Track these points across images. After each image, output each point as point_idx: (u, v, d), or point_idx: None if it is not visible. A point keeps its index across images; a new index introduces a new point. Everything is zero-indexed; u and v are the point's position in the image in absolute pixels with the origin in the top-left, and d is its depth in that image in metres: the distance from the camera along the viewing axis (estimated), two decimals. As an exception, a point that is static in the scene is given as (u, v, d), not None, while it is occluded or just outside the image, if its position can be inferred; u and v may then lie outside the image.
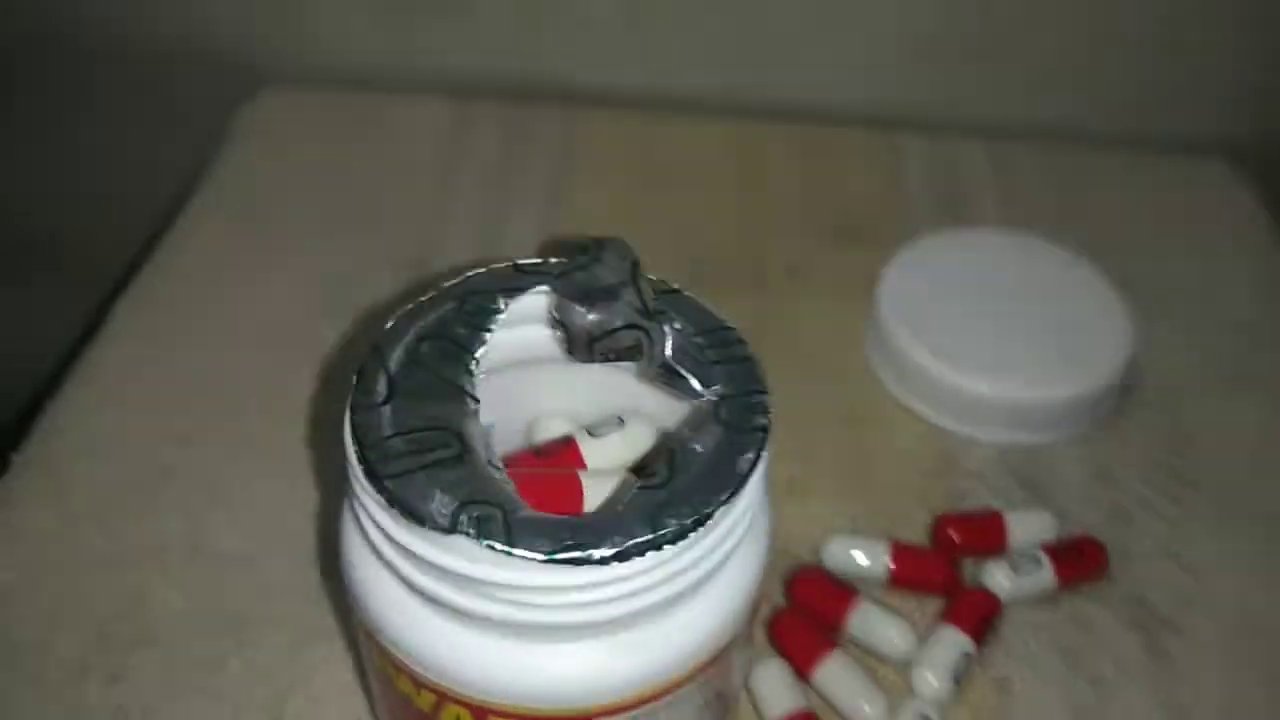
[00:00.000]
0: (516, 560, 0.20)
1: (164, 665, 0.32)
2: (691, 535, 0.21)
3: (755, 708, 0.31)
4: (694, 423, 0.23)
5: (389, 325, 0.25)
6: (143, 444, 0.37)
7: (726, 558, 0.23)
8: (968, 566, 0.35)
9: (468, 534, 0.20)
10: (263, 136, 0.50)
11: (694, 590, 0.22)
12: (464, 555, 0.21)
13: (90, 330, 0.41)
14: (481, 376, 0.24)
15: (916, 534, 0.36)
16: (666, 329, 0.24)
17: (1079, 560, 0.34)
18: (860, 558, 0.34)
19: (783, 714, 0.30)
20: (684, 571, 0.21)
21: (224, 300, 0.43)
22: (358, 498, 0.22)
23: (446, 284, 0.26)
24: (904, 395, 0.40)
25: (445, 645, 0.22)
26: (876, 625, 0.32)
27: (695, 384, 0.24)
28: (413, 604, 0.23)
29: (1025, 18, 0.50)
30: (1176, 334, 0.43)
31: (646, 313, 0.24)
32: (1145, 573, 0.35)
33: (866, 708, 0.31)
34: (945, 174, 0.50)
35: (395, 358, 0.24)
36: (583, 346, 0.25)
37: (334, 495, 0.35)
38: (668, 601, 0.22)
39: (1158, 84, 0.52)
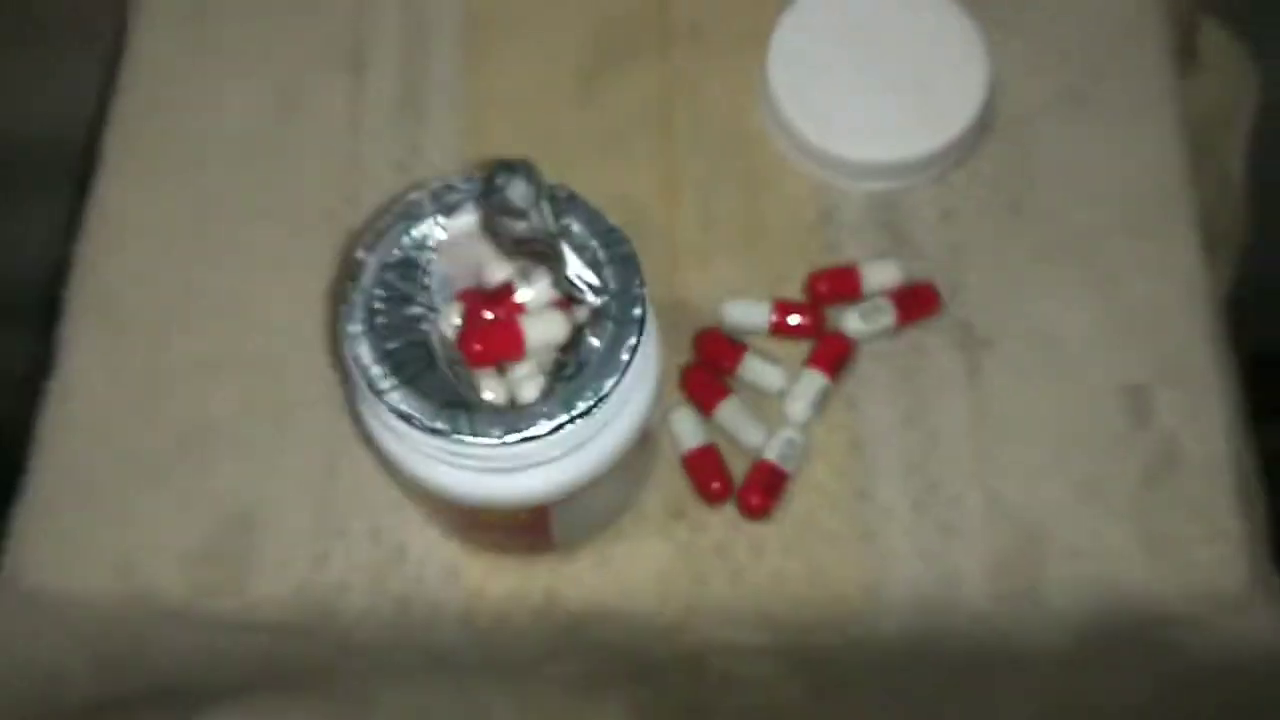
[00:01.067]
0: (481, 443, 0.31)
1: (238, 452, 0.43)
2: (594, 411, 0.31)
3: (672, 444, 0.43)
4: (591, 321, 0.32)
5: (357, 256, 0.33)
6: (175, 269, 0.46)
7: (622, 408, 0.33)
8: (832, 313, 0.45)
9: (445, 431, 0.30)
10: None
11: (602, 429, 0.33)
12: (445, 441, 0.31)
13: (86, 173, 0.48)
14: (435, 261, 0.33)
15: (795, 286, 0.45)
16: (565, 247, 0.32)
17: (915, 302, 0.44)
18: (747, 315, 0.44)
19: (691, 448, 0.42)
20: (592, 428, 0.32)
21: (195, 115, 0.48)
22: (366, 399, 0.32)
23: (394, 209, 0.33)
24: (791, 155, 0.47)
25: (443, 475, 0.33)
26: (759, 371, 0.43)
27: (590, 295, 0.32)
28: (416, 454, 0.33)
29: None
30: (1032, 59, 0.49)
31: (550, 234, 0.32)
32: (972, 301, 0.45)
33: (751, 435, 0.42)
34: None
35: (368, 286, 0.32)
36: (508, 248, 0.33)
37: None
38: (584, 442, 0.32)
39: None
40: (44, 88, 0.67)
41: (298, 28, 0.50)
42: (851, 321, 0.44)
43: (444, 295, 0.34)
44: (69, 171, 0.53)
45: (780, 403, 0.43)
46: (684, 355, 0.44)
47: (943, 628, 0.42)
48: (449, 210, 0.33)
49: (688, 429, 0.42)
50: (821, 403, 0.43)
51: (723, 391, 0.43)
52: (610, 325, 0.32)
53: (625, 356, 0.32)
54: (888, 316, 0.44)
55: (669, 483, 0.43)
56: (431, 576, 0.41)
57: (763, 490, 0.41)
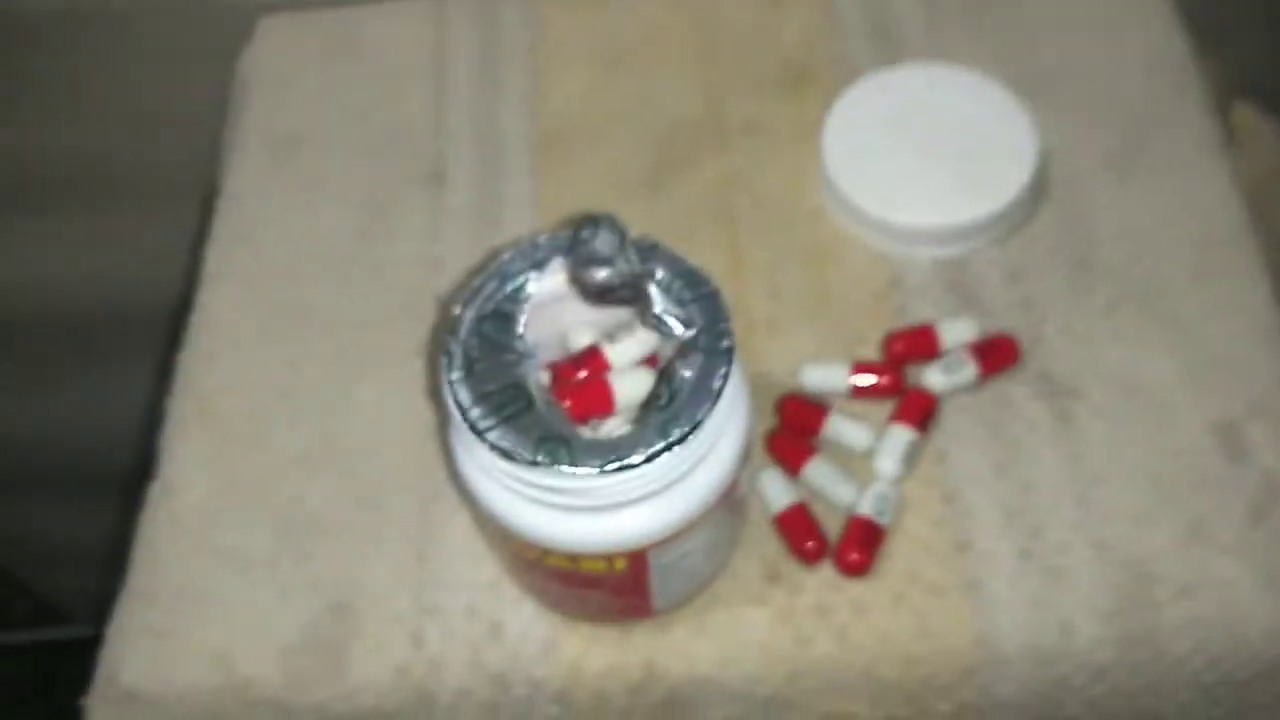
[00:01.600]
0: (580, 474, 0.31)
1: (334, 542, 0.43)
2: (690, 439, 0.31)
3: (763, 506, 0.43)
4: (682, 353, 0.33)
5: (454, 311, 0.34)
6: (270, 373, 0.47)
7: (717, 439, 0.33)
8: (911, 371, 0.45)
9: (545, 464, 0.31)
10: (270, 74, 0.57)
11: (698, 464, 0.33)
12: (546, 475, 0.31)
13: (190, 279, 0.51)
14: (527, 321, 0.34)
15: (870, 348, 0.46)
16: (651, 287, 0.34)
17: (995, 353, 0.44)
18: (826, 378, 0.45)
19: (782, 508, 0.42)
20: (688, 459, 0.32)
21: (289, 233, 0.51)
22: (466, 443, 0.33)
23: (491, 266, 0.35)
24: (852, 228, 0.49)
25: (544, 521, 0.34)
26: (844, 430, 0.43)
27: (678, 328, 0.33)
28: (518, 500, 0.34)
29: None
30: (1080, 128, 0.51)
31: (636, 275, 0.33)
32: (1050, 352, 0.45)
33: (842, 491, 0.42)
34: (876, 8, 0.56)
35: (465, 337, 0.34)
36: (595, 298, 0.35)
37: (426, 400, 0.46)
38: (681, 476, 0.33)
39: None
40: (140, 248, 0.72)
41: (382, 149, 0.53)
42: (933, 376, 0.44)
43: (539, 345, 0.35)
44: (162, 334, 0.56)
45: (869, 461, 0.43)
46: (767, 423, 0.45)
47: (1061, 679, 0.40)
48: (539, 265, 0.35)
49: (776, 490, 0.42)
50: (911, 457, 0.43)
51: (809, 451, 0.43)
52: (700, 357, 0.33)
53: (717, 385, 0.32)
54: (969, 369, 0.44)
55: (761, 546, 0.42)
56: (528, 652, 0.41)
57: (860, 545, 0.41)
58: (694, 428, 0.32)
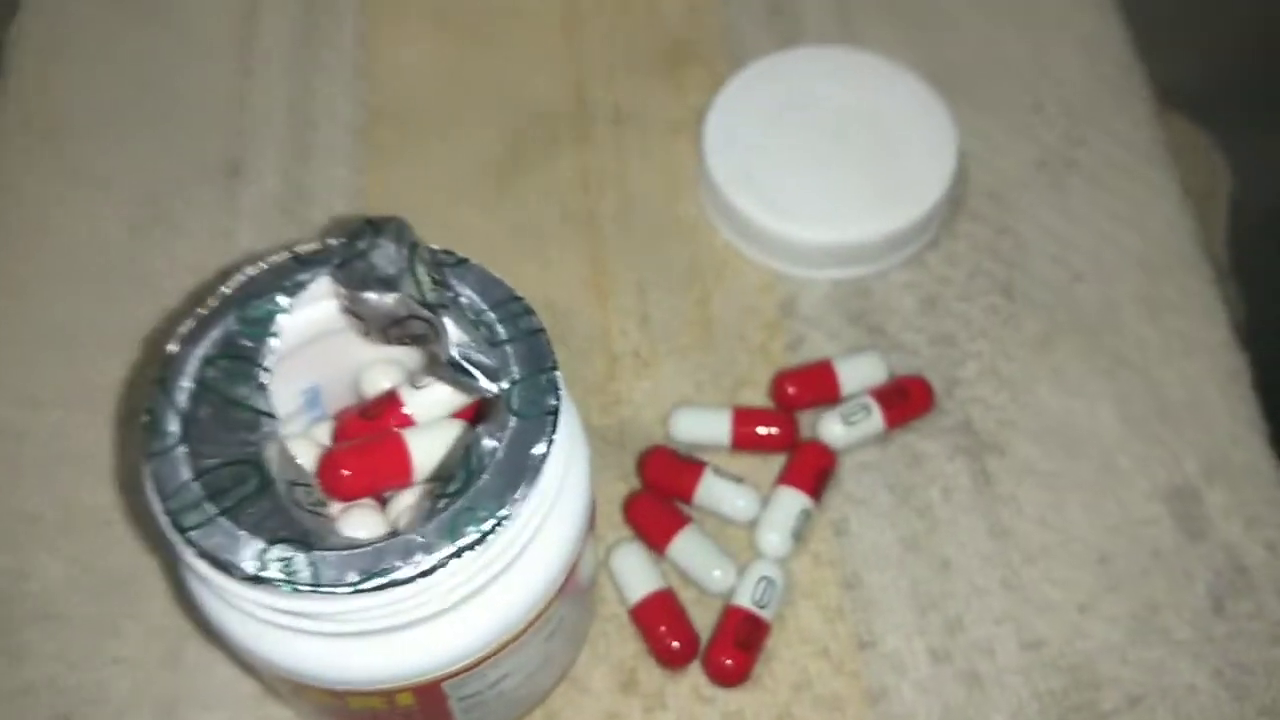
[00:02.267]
0: (325, 594, 0.22)
1: (60, 636, 0.33)
2: (490, 539, 0.22)
3: (618, 592, 0.34)
4: (488, 415, 0.24)
5: (171, 351, 0.24)
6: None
7: (536, 532, 0.24)
8: (806, 419, 0.37)
9: (274, 581, 0.21)
10: (41, 42, 0.46)
11: (506, 569, 0.24)
12: (277, 595, 0.22)
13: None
14: (287, 355, 0.25)
15: (759, 390, 0.38)
16: (449, 322, 0.24)
17: (905, 401, 0.36)
18: (702, 427, 0.36)
19: (641, 597, 0.33)
20: (489, 567, 0.23)
21: (42, 233, 0.41)
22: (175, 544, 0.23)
23: (224, 289, 0.25)
24: (737, 242, 0.40)
25: (291, 648, 0.24)
26: (722, 494, 0.34)
27: (483, 381, 0.24)
28: (255, 624, 0.24)
29: None
30: (1006, 127, 0.43)
31: (427, 305, 0.24)
32: (970, 397, 0.37)
33: (717, 574, 0.33)
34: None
35: (183, 388, 0.24)
36: (376, 332, 0.25)
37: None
38: (481, 587, 0.23)
39: None
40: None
41: (169, 133, 0.43)
42: (831, 427, 0.36)
43: (291, 401, 0.26)
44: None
45: (752, 533, 0.34)
46: (629, 483, 0.36)
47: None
48: (296, 286, 0.25)
49: (635, 572, 0.33)
50: (803, 530, 0.34)
51: (679, 521, 0.34)
52: (513, 421, 0.24)
53: (535, 461, 0.23)
54: (874, 419, 0.36)
55: (614, 645, 0.33)
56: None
57: (737, 645, 0.32)
58: (497, 524, 0.22)
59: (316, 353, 0.27)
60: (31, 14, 0.46)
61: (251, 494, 0.23)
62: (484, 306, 0.25)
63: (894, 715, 0.32)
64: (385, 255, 0.25)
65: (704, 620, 0.33)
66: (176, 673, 0.33)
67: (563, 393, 0.24)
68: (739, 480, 0.35)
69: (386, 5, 0.46)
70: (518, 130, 0.43)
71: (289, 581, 0.21)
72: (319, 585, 0.21)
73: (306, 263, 0.26)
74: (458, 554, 0.22)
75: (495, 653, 0.25)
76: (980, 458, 0.36)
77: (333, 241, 0.25)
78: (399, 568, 0.22)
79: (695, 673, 0.33)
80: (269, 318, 0.25)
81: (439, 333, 0.24)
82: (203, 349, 0.24)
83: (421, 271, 0.24)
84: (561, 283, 0.40)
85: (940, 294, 0.40)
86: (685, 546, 0.34)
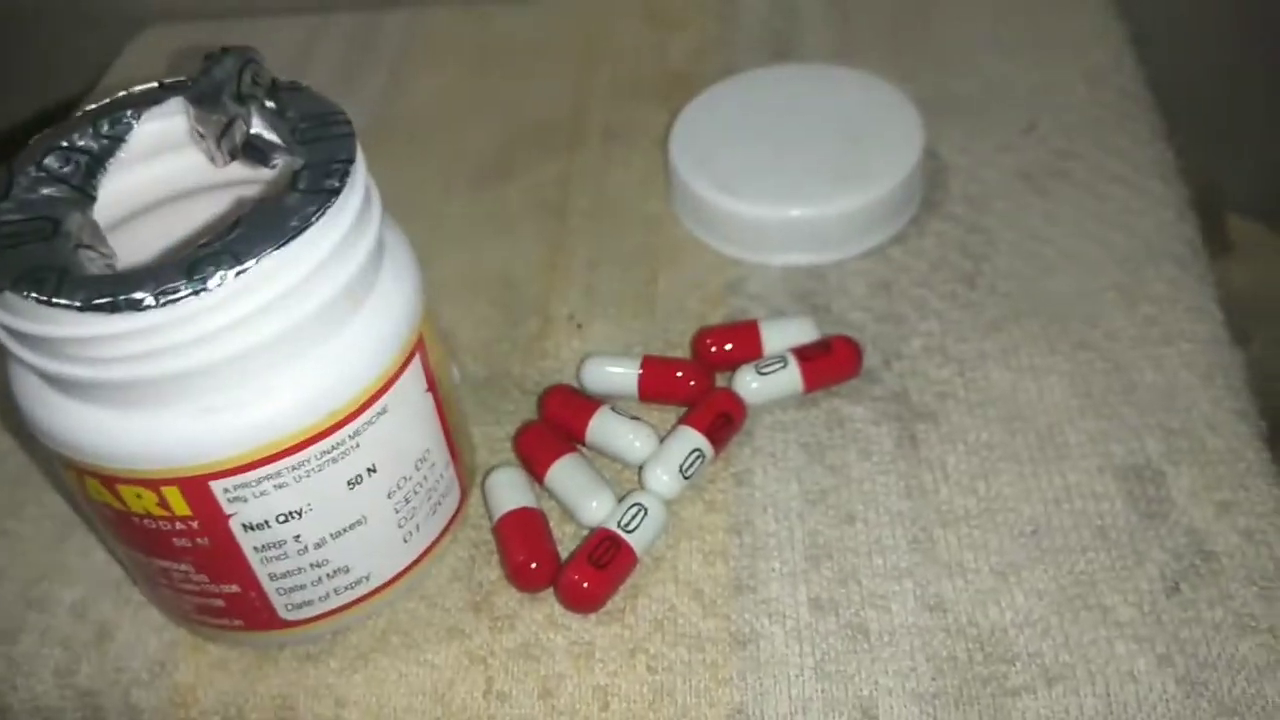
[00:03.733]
0: (59, 311, 0.22)
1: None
2: (231, 281, 0.22)
3: (489, 513, 0.32)
4: (273, 189, 0.24)
5: (28, 145, 0.26)
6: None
7: (309, 319, 0.24)
8: (722, 380, 0.35)
9: (18, 293, 0.22)
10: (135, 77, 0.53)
11: (278, 357, 0.24)
12: (18, 315, 0.22)
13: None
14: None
15: (685, 354, 0.36)
16: (253, 110, 0.25)
17: (827, 358, 0.34)
18: (608, 373, 0.35)
19: (504, 513, 0.31)
20: (240, 325, 0.23)
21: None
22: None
23: (89, 106, 0.27)
24: (698, 230, 0.40)
25: (62, 414, 0.24)
26: (615, 429, 0.33)
27: (276, 158, 0.25)
28: (39, 387, 0.25)
29: None
30: (997, 143, 0.42)
31: (238, 98, 0.25)
32: (909, 370, 0.35)
33: (594, 504, 0.31)
34: (783, 18, 0.49)
35: (22, 168, 0.26)
36: (215, 151, 0.26)
37: None
38: (233, 360, 0.23)
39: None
40: None
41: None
42: (745, 379, 0.34)
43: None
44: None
45: (640, 474, 0.32)
46: (528, 418, 0.35)
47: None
48: (152, 105, 0.27)
49: (504, 489, 0.32)
50: (694, 471, 0.32)
51: (562, 450, 0.32)
52: (291, 197, 0.24)
53: (299, 222, 0.23)
54: (791, 371, 0.34)
55: (477, 569, 0.31)
56: (131, 668, 0.30)
57: (592, 564, 0.29)
58: (234, 271, 0.22)
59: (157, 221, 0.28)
60: (128, 58, 0.53)
61: (33, 240, 0.24)
62: (304, 117, 0.26)
63: (760, 660, 0.28)
64: (223, 70, 0.26)
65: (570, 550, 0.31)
66: (44, 551, 0.33)
67: (365, 194, 0.25)
68: (635, 418, 0.33)
69: (423, 48, 0.51)
70: (513, 139, 0.45)
71: (30, 292, 0.22)
72: (56, 297, 0.22)
73: (165, 89, 0.27)
74: (193, 291, 0.22)
75: (269, 459, 0.24)
76: (910, 425, 0.33)
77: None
78: (131, 291, 0.22)
79: (551, 604, 0.30)
80: (118, 126, 0.27)
81: (242, 124, 0.25)
82: (51, 144, 0.26)
83: (248, 74, 0.26)
84: (520, 261, 0.40)
85: (896, 280, 0.38)
86: (563, 473, 0.32)
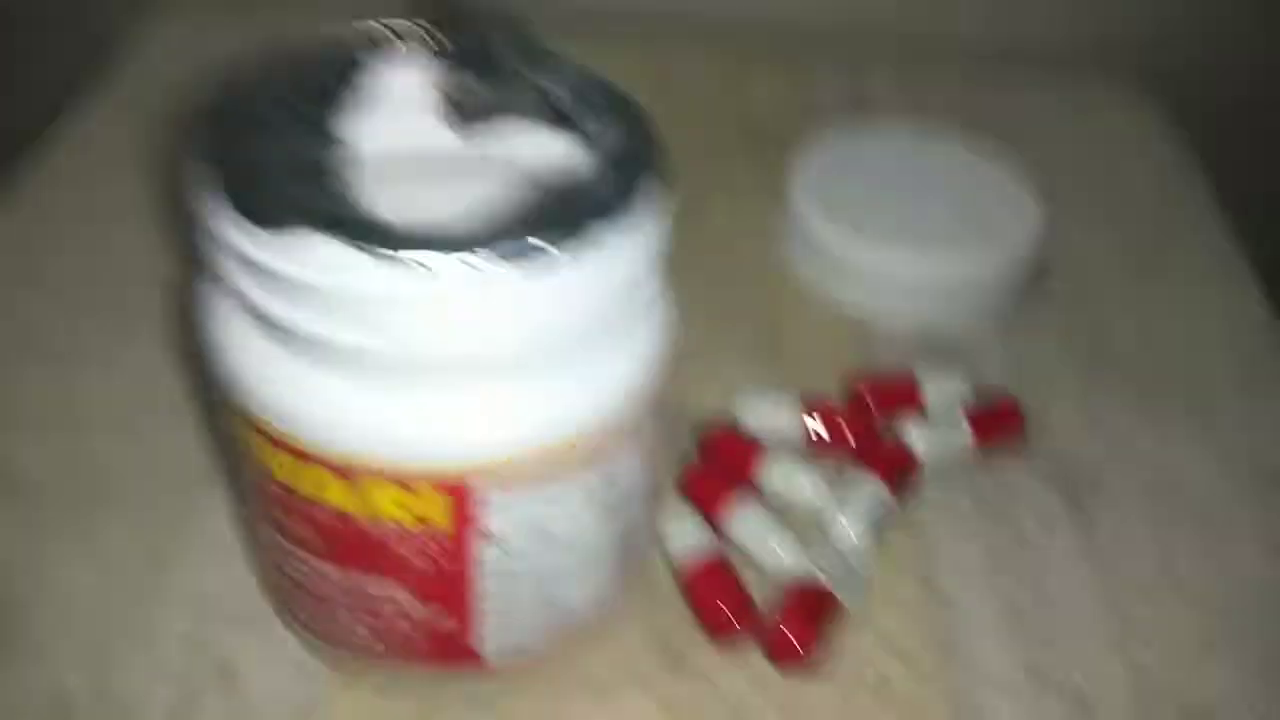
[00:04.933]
0: (347, 256, 0.19)
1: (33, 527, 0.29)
2: (573, 251, 0.19)
3: (666, 561, 0.29)
4: (585, 162, 0.22)
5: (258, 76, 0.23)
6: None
7: (612, 316, 0.21)
8: (884, 430, 0.33)
9: (291, 231, 0.19)
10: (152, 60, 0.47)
11: (576, 346, 0.21)
12: (287, 256, 0.19)
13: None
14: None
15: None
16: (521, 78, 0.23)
17: (996, 421, 0.33)
18: (770, 416, 0.33)
19: (693, 559, 0.28)
20: (559, 298, 0.20)
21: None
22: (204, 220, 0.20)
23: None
24: (819, 278, 0.39)
25: (301, 390, 0.21)
26: (788, 474, 0.31)
27: (587, 125, 0.22)
28: (273, 351, 0.21)
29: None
30: (1085, 232, 0.43)
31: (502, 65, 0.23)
32: (1064, 440, 0.34)
33: (780, 549, 0.29)
34: (853, 89, 0.49)
35: (249, 90, 0.22)
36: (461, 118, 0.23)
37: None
38: (552, 355, 0.20)
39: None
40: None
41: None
42: (914, 433, 0.32)
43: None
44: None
45: (818, 527, 0.30)
46: (687, 456, 0.32)
47: None
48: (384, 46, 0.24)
49: (687, 534, 0.29)
50: (879, 524, 0.30)
51: (738, 494, 0.30)
52: (609, 169, 0.21)
53: (634, 194, 0.21)
54: (962, 431, 0.33)
55: (657, 614, 0.28)
56: (266, 713, 0.25)
57: (804, 620, 0.27)
58: (575, 235, 0.19)
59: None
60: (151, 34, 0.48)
61: (303, 180, 0.20)
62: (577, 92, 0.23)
63: (985, 729, 0.27)
64: (489, 35, 0.23)
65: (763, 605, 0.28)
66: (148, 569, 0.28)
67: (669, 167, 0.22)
68: (809, 461, 0.31)
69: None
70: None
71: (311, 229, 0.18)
72: (359, 239, 0.18)
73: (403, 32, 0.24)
74: (533, 245, 0.19)
75: (549, 461, 0.21)
76: (1076, 493, 0.33)
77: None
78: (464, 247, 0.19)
79: (751, 656, 0.28)
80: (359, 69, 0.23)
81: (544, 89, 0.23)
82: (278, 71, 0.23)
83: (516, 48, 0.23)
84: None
85: (1025, 347, 0.37)
86: (747, 516, 0.30)
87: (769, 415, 0.33)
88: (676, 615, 0.28)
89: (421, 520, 0.21)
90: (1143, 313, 0.39)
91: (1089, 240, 0.42)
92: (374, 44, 0.24)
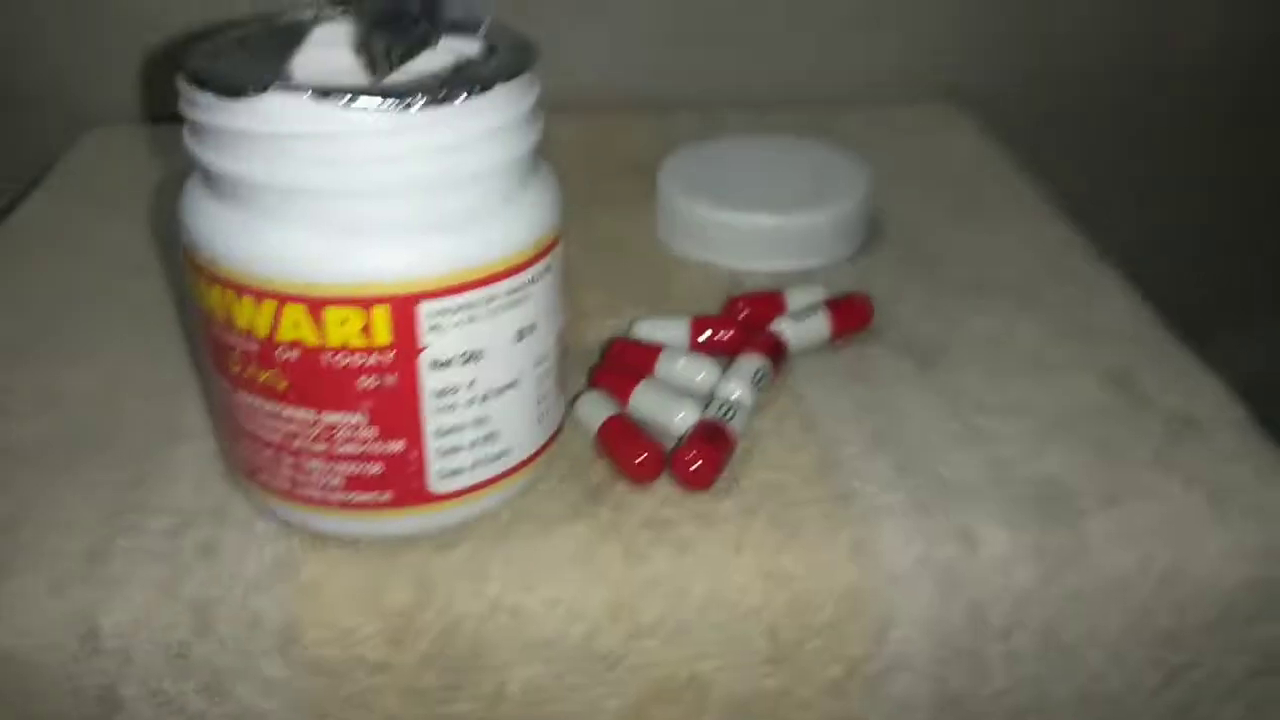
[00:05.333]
0: (297, 103, 0.24)
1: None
2: (471, 98, 0.26)
3: (581, 431, 0.34)
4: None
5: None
6: None
7: (508, 162, 0.27)
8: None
9: (251, 92, 0.25)
10: (78, 176, 0.53)
11: (491, 189, 0.27)
12: (242, 113, 0.25)
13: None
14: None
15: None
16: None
17: (850, 309, 0.39)
18: (663, 331, 0.38)
19: (603, 422, 0.33)
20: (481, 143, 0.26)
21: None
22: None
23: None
24: (690, 248, 0.45)
25: (255, 240, 0.26)
26: (682, 364, 0.36)
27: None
28: (233, 213, 0.26)
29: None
30: (910, 197, 0.50)
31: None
32: (909, 326, 0.40)
33: (682, 414, 0.34)
34: (708, 126, 0.57)
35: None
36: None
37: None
38: (457, 180, 0.26)
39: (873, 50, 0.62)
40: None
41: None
42: (782, 325, 0.38)
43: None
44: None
45: (715, 390, 0.36)
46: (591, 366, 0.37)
47: (974, 611, 0.30)
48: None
49: (596, 405, 0.34)
50: (760, 384, 0.36)
51: (638, 377, 0.35)
52: (494, 58, 0.28)
53: (509, 74, 0.27)
54: (821, 320, 0.39)
55: (573, 466, 0.33)
56: (246, 573, 0.29)
57: (704, 447, 0.32)
58: (481, 87, 0.26)
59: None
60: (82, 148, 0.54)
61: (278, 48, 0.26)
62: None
63: (863, 509, 0.31)
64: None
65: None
66: (133, 490, 0.32)
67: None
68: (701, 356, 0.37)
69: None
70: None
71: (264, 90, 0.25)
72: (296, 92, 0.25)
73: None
74: (441, 93, 0.25)
75: (473, 284, 0.27)
76: (924, 356, 0.39)
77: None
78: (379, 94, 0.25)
79: (663, 487, 0.32)
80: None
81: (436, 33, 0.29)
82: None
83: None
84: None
85: (868, 275, 0.44)
86: (647, 392, 0.35)
87: (661, 328, 0.38)
88: (597, 470, 0.33)
89: (377, 345, 0.26)
90: (966, 243, 0.47)
91: (914, 202, 0.50)
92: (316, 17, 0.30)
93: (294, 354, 0.27)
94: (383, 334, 0.26)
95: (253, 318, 0.27)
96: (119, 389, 0.37)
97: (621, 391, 0.35)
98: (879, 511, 0.31)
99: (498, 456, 0.30)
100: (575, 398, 0.35)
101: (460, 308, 0.27)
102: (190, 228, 0.27)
